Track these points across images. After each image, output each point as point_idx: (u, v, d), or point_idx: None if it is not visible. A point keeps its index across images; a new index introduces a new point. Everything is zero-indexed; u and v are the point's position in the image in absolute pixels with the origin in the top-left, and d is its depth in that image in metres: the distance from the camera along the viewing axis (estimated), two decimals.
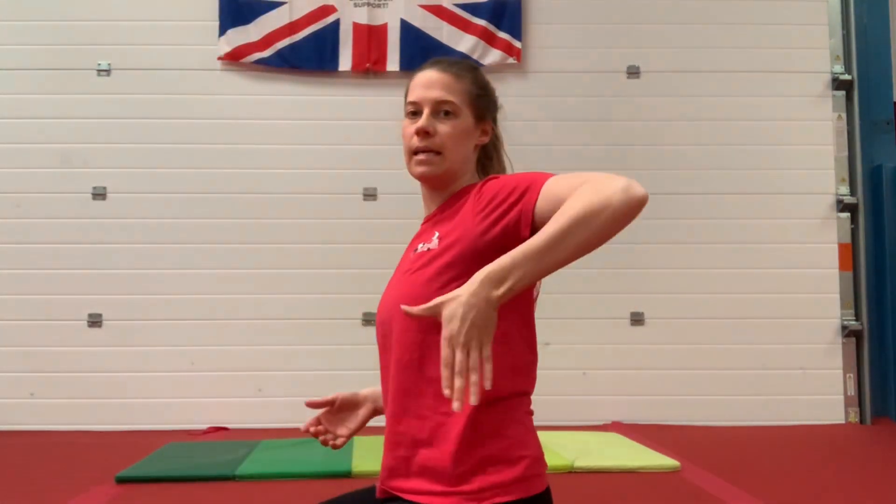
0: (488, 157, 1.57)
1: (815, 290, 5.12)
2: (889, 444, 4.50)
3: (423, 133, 1.46)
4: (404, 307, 1.20)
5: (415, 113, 1.50)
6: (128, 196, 5.06)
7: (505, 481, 1.31)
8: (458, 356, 1.13)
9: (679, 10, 5.27)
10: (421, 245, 1.45)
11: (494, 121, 1.57)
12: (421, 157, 1.47)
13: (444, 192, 1.51)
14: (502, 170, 1.58)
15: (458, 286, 1.20)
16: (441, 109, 1.47)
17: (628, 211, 1.18)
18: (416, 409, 1.38)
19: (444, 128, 1.47)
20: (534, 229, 1.27)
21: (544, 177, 1.31)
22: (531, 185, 1.30)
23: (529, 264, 1.17)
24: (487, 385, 1.13)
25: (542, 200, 1.27)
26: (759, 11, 5.26)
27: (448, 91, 1.47)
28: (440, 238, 1.41)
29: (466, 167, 1.51)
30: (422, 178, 1.50)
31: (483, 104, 1.52)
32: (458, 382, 1.12)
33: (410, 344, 1.39)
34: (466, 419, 1.33)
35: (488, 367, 1.13)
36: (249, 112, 5.14)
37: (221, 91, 5.15)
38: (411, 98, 1.50)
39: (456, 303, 1.14)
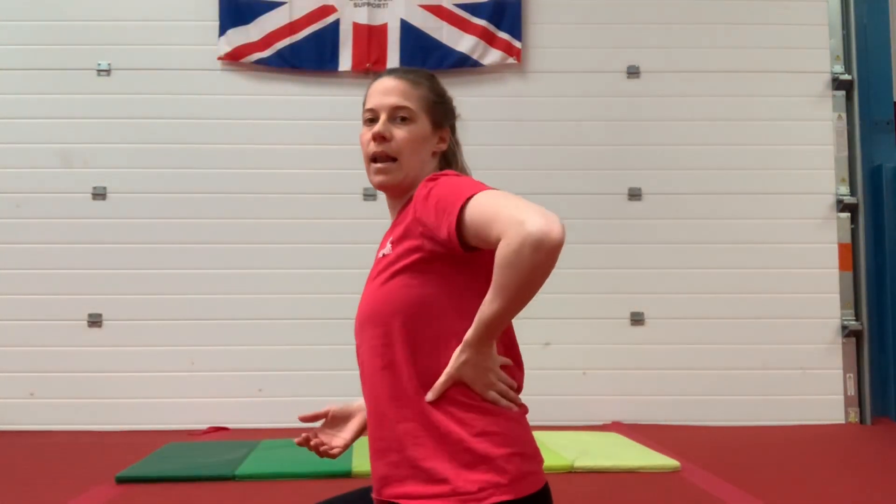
0: (448, 164, 1.57)
1: (815, 290, 5.12)
2: (889, 444, 4.50)
3: (379, 138, 1.48)
4: (428, 394, 1.36)
5: (372, 120, 1.52)
6: (128, 196, 5.06)
7: (503, 481, 1.31)
8: (499, 389, 1.38)
9: (679, 10, 5.27)
10: (380, 252, 1.49)
11: (452, 129, 1.59)
12: (378, 165, 1.49)
13: (403, 198, 1.53)
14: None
15: (420, 282, 1.37)
16: (397, 115, 1.49)
17: (550, 261, 1.23)
18: (398, 411, 1.38)
19: (400, 133, 1.48)
20: (464, 243, 1.32)
21: (468, 193, 1.31)
22: (455, 200, 1.31)
23: (503, 321, 1.32)
24: (518, 390, 1.43)
25: (468, 227, 1.30)
26: (759, 11, 5.26)
27: (404, 97, 1.49)
28: (392, 243, 1.44)
29: (424, 174, 1.51)
30: (380, 187, 1.52)
31: (440, 111, 1.54)
32: (509, 404, 1.39)
33: (381, 347, 1.40)
34: (453, 416, 1.34)
35: (510, 380, 1.41)
36: (249, 112, 5.14)
37: (221, 91, 5.15)
38: (368, 105, 1.52)
39: (466, 367, 1.35)
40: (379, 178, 1.50)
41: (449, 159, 1.58)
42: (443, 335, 1.38)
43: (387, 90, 1.50)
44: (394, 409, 1.38)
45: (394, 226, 1.50)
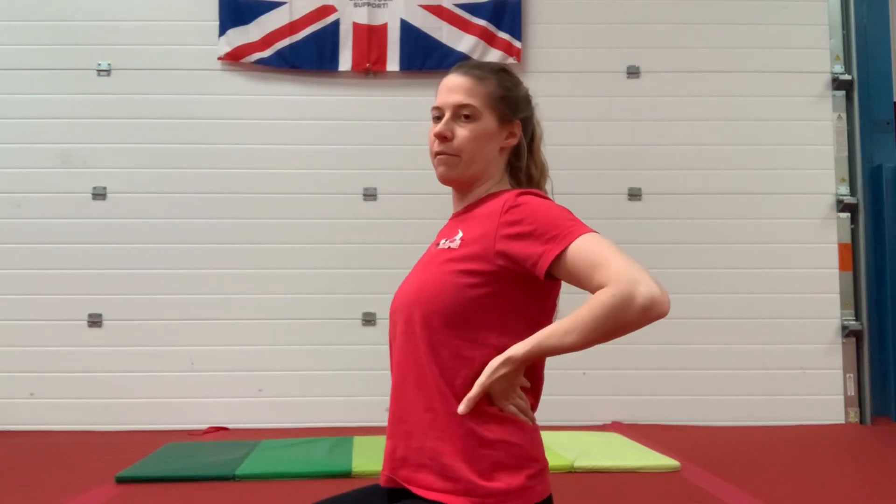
0: (517, 158, 1.56)
1: (815, 290, 5.12)
2: (889, 444, 4.50)
3: (441, 137, 1.49)
4: (459, 408, 1.36)
5: (439, 117, 1.51)
6: (128, 196, 5.06)
7: (512, 488, 1.33)
8: (518, 404, 1.38)
9: (679, 10, 5.27)
10: (444, 241, 1.48)
11: (526, 121, 1.55)
12: (441, 157, 1.50)
13: (471, 193, 1.53)
14: (538, 171, 1.58)
15: (476, 289, 1.37)
16: (461, 113, 1.49)
17: (644, 325, 1.26)
18: (424, 401, 1.40)
19: (462, 132, 1.48)
20: (548, 274, 1.33)
21: (576, 230, 1.33)
22: (561, 234, 1.33)
23: (564, 352, 1.33)
24: (536, 404, 1.44)
25: (567, 260, 1.31)
26: (759, 11, 5.26)
27: (468, 95, 1.48)
28: (463, 240, 1.43)
29: (491, 170, 1.52)
30: (442, 179, 1.52)
31: (508, 106, 1.52)
32: (525, 419, 1.39)
33: (418, 336, 1.41)
34: (474, 420, 1.36)
35: (527, 397, 1.41)
36: (249, 112, 5.14)
37: (221, 91, 5.15)
38: (436, 103, 1.53)
39: (500, 380, 1.34)
40: (440, 170, 1.51)
41: (519, 153, 1.56)
42: (480, 344, 1.38)
43: (452, 88, 1.50)
44: (420, 397, 1.40)
45: (465, 220, 1.49)
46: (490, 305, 1.38)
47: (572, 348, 1.31)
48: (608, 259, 1.28)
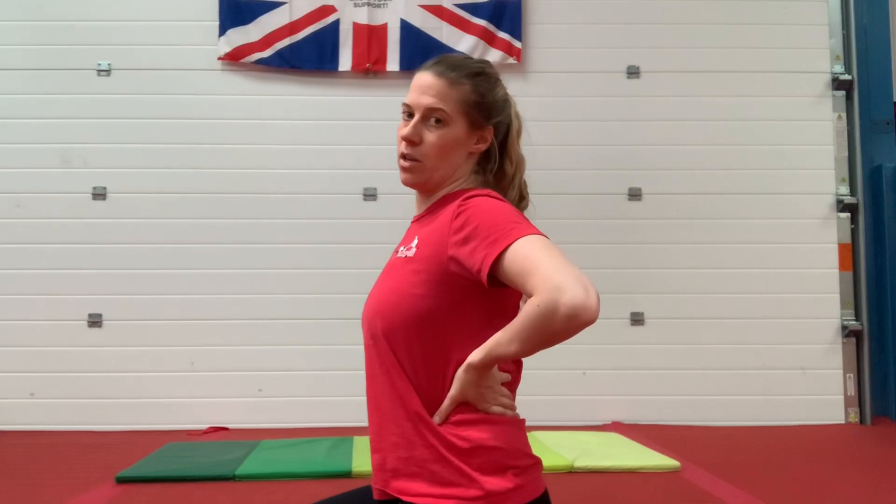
0: (487, 160, 1.53)
1: (815, 290, 5.12)
2: (889, 444, 4.50)
3: (408, 141, 1.46)
4: (435, 417, 1.37)
5: (410, 115, 1.48)
6: (128, 196, 5.06)
7: (503, 488, 1.32)
8: (501, 403, 1.39)
9: (679, 10, 5.27)
10: (402, 249, 1.47)
11: (499, 124, 1.51)
12: (404, 163, 1.47)
13: (433, 196, 1.50)
14: (512, 165, 1.54)
15: (435, 298, 1.36)
16: (432, 116, 1.45)
17: (577, 332, 1.25)
18: (404, 412, 1.39)
19: (430, 137, 1.45)
20: (491, 278, 1.30)
21: (516, 232, 1.29)
22: (500, 237, 1.29)
23: (513, 359, 1.37)
24: (513, 407, 1.43)
25: (504, 265, 1.28)
26: (759, 11, 5.26)
27: (440, 99, 1.45)
28: (418, 246, 1.42)
29: (457, 174, 1.50)
30: (405, 184, 1.51)
31: (481, 112, 1.48)
32: (514, 414, 1.42)
33: (385, 349, 1.40)
34: (454, 428, 1.36)
35: (510, 396, 1.43)
36: (249, 112, 5.14)
37: (221, 91, 5.15)
38: (407, 100, 1.49)
39: (469, 388, 1.35)
40: (403, 176, 1.49)
41: (491, 155, 1.52)
42: (444, 352, 1.38)
43: (424, 88, 1.46)
44: (399, 408, 1.39)
45: (423, 225, 1.47)
46: (453, 313, 1.37)
47: (518, 356, 1.31)
48: (537, 265, 1.24)
